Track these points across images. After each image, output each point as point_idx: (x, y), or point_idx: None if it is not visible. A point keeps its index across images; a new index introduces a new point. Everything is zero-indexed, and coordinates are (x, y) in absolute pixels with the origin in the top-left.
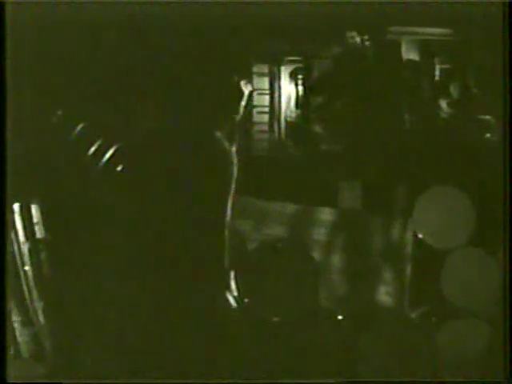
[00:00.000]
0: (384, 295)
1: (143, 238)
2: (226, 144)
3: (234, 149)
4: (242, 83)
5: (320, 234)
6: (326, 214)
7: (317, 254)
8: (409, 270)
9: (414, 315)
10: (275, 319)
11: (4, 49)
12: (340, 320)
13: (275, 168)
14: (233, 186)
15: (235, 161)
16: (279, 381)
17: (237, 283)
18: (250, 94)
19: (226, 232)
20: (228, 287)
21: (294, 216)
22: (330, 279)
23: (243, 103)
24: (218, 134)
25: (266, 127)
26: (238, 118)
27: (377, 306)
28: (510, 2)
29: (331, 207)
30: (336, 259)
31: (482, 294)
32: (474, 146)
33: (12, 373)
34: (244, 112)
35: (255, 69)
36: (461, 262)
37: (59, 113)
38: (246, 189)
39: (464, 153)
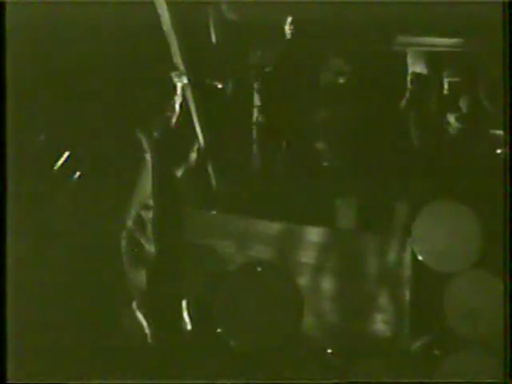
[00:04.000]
0: (380, 324)
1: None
2: (145, 144)
3: (148, 151)
4: (174, 75)
5: (307, 255)
6: (315, 234)
7: (303, 279)
8: (408, 295)
9: (414, 347)
10: (250, 349)
11: (4, 49)
12: (329, 353)
13: (261, 184)
14: (141, 190)
15: (149, 163)
16: (279, 381)
17: (189, 310)
18: (184, 88)
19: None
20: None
21: (279, 236)
22: (318, 306)
23: (177, 99)
24: (139, 133)
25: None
26: (172, 115)
27: (372, 337)
28: (509, 2)
29: (321, 226)
30: (325, 284)
31: (491, 323)
32: (483, 161)
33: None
34: (180, 109)
35: None
36: (466, 287)
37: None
38: (228, 206)
39: (471, 168)
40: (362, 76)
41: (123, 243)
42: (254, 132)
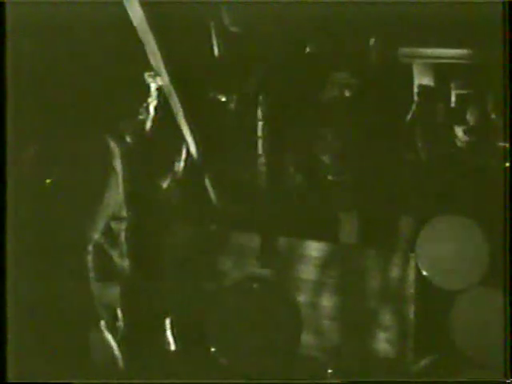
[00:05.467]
0: (383, 343)
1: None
2: (115, 148)
3: (119, 157)
4: (148, 76)
5: (307, 271)
6: (316, 249)
7: (302, 295)
8: (412, 313)
9: (418, 367)
10: (245, 370)
11: (4, 49)
12: (330, 374)
13: (261, 198)
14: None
15: (119, 168)
16: (280, 381)
17: (172, 329)
18: (159, 90)
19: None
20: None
21: (278, 251)
22: (318, 324)
23: (152, 101)
24: (107, 136)
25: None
26: (147, 119)
27: (374, 356)
28: (509, 2)
29: (322, 241)
30: (326, 301)
31: (499, 342)
32: (491, 175)
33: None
34: (155, 112)
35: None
36: (473, 304)
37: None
38: (226, 220)
39: (479, 182)
40: (367, 89)
41: (89, 257)
42: (259, 146)
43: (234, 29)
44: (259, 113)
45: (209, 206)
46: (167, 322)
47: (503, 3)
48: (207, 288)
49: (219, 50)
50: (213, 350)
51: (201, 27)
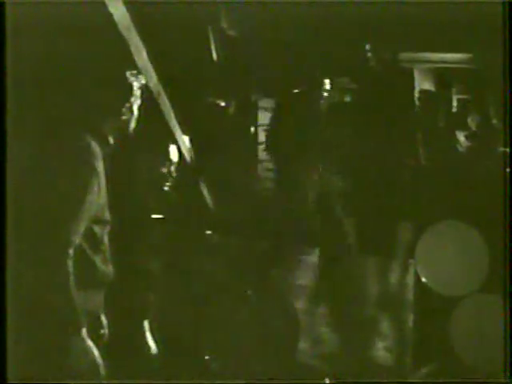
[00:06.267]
0: (382, 351)
1: None
2: (96, 150)
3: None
4: (130, 74)
5: (304, 277)
6: (313, 255)
7: (299, 302)
8: (411, 320)
9: (417, 375)
10: (240, 378)
11: (4, 49)
12: (327, 383)
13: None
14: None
15: (102, 171)
16: (280, 381)
17: (153, 335)
18: (142, 90)
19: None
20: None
21: (274, 256)
22: (315, 332)
23: (135, 100)
24: (88, 137)
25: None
26: (130, 120)
27: (373, 365)
28: (509, 2)
29: (319, 247)
30: (323, 308)
31: (499, 349)
32: (492, 180)
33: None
34: (139, 112)
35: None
36: (473, 311)
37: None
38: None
39: (480, 188)
40: (368, 93)
41: (69, 263)
42: (259, 151)
43: (231, 32)
44: (260, 117)
45: (204, 210)
46: (146, 326)
47: (503, 3)
48: (197, 294)
49: (208, 49)
50: (207, 357)
51: (194, 28)
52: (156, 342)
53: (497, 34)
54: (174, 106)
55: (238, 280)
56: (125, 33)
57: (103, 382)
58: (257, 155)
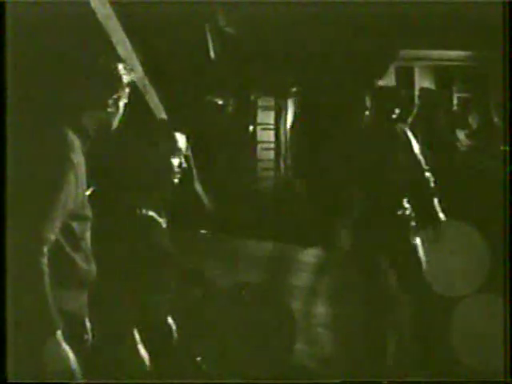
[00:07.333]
0: (381, 351)
1: None
2: (74, 141)
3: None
4: (122, 67)
5: (300, 278)
6: (309, 255)
7: (295, 303)
8: (411, 320)
9: (418, 378)
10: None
11: (4, 49)
12: None
13: (254, 203)
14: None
15: (78, 162)
16: (280, 381)
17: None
18: (132, 85)
19: None
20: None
21: (269, 257)
22: (312, 333)
23: (122, 95)
24: (69, 131)
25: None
26: (115, 112)
27: (373, 367)
28: (509, 2)
29: (316, 247)
30: (320, 308)
31: (499, 349)
32: (493, 179)
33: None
34: (124, 106)
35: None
36: (473, 312)
37: None
38: (217, 225)
39: (480, 187)
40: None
41: (44, 260)
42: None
43: (228, 29)
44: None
45: (201, 209)
46: (135, 332)
47: (503, 3)
48: (189, 295)
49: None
50: (198, 359)
51: (191, 26)
52: (149, 353)
53: (497, 33)
54: (171, 105)
55: (234, 280)
56: (124, 33)
57: (105, 381)
58: (256, 154)
